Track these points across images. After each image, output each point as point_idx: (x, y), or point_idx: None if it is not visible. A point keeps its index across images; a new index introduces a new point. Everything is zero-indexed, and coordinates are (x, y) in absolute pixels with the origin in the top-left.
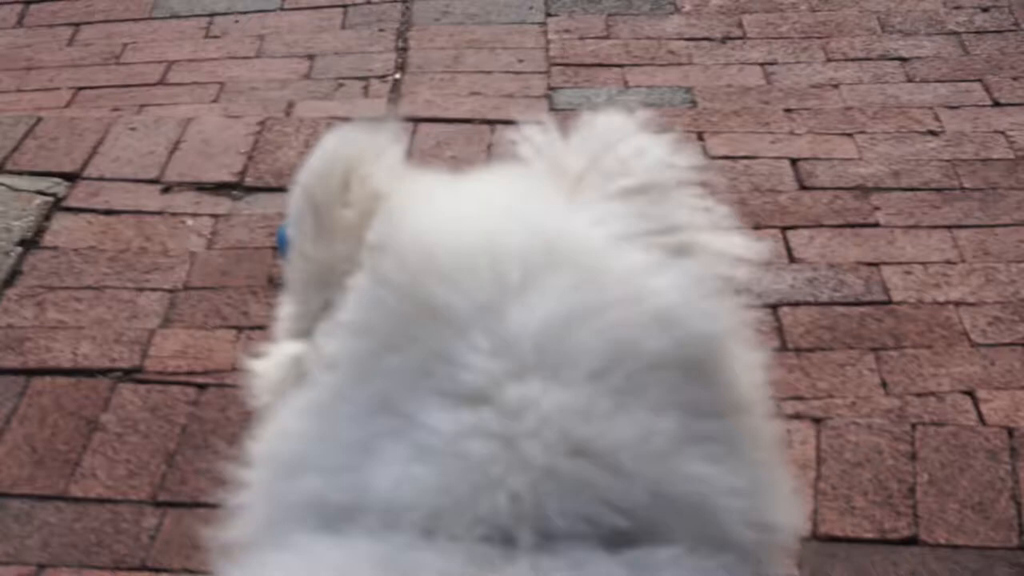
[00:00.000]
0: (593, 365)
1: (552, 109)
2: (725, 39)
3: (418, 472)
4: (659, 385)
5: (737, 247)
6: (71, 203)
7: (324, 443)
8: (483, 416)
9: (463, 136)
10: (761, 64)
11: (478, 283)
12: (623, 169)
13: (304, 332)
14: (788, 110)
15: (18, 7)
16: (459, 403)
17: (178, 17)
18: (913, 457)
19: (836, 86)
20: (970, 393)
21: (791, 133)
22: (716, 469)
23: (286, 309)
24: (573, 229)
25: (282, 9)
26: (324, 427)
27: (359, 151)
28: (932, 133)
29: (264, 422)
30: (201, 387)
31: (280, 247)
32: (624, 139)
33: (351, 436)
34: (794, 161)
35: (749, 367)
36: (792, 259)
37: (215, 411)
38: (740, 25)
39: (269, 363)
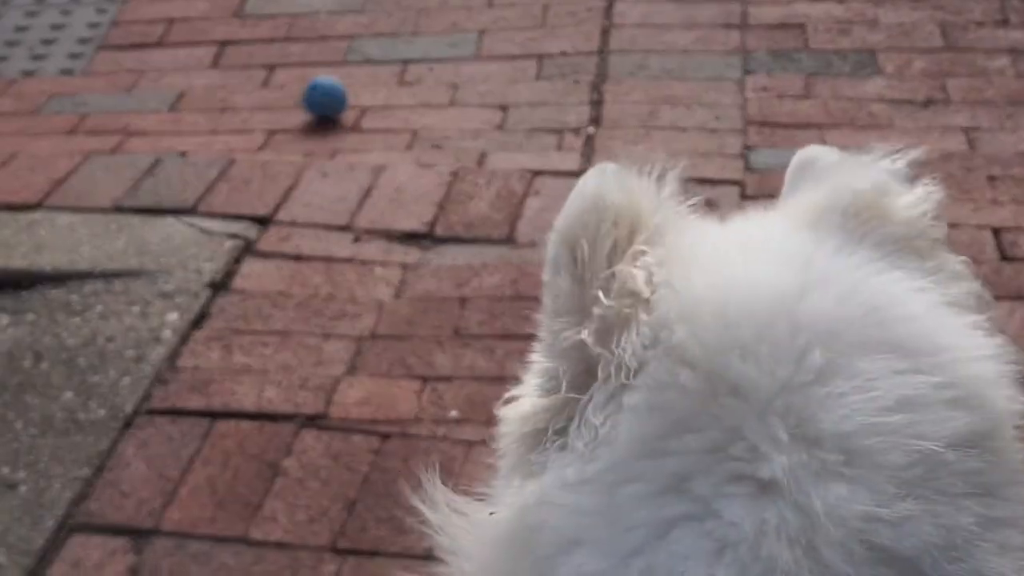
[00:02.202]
0: (895, 461)
1: (748, 169)
2: (928, 103)
3: (720, 574)
4: (957, 473)
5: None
6: (262, 247)
7: (604, 521)
8: (784, 514)
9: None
10: (964, 129)
11: (777, 356)
12: (898, 220)
13: (556, 390)
14: (991, 177)
15: (214, 48)
16: (758, 493)
17: (372, 63)
18: None
19: None
20: None
21: (994, 202)
22: (1009, 560)
23: (538, 363)
24: (874, 294)
25: (476, 58)
26: (604, 504)
27: (627, 194)
28: None
29: (502, 473)
30: (384, 436)
31: (308, 101)
32: (893, 188)
33: (638, 517)
34: (996, 231)
35: (1017, 438)
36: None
37: (397, 460)
38: (943, 89)
39: (516, 413)
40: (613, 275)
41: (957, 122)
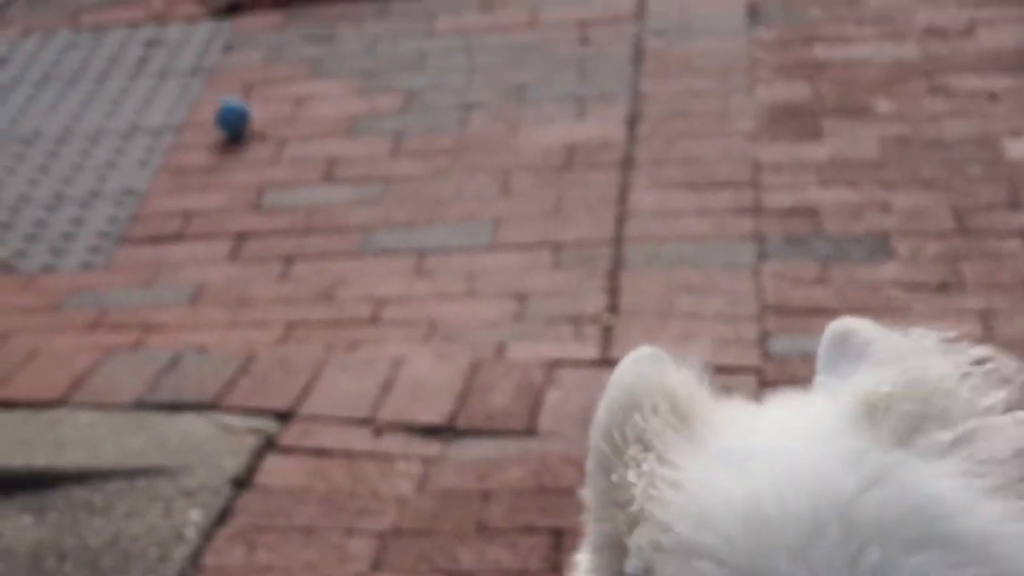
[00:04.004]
0: None
1: (766, 356)
2: (942, 287)
3: None
4: None
5: None
6: (283, 442)
7: None
8: None
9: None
10: (980, 313)
11: (831, 559)
12: (947, 406)
13: None
14: None
15: (232, 241)
16: None
17: (389, 253)
18: None
19: None
20: None
21: None
22: None
23: (585, 562)
24: (924, 490)
25: (492, 247)
26: None
27: (663, 384)
28: None
29: None
30: None
31: (223, 122)
32: (935, 369)
33: None
34: None
35: None
36: None
37: None
38: (957, 272)
39: None
40: (655, 470)
41: (972, 306)
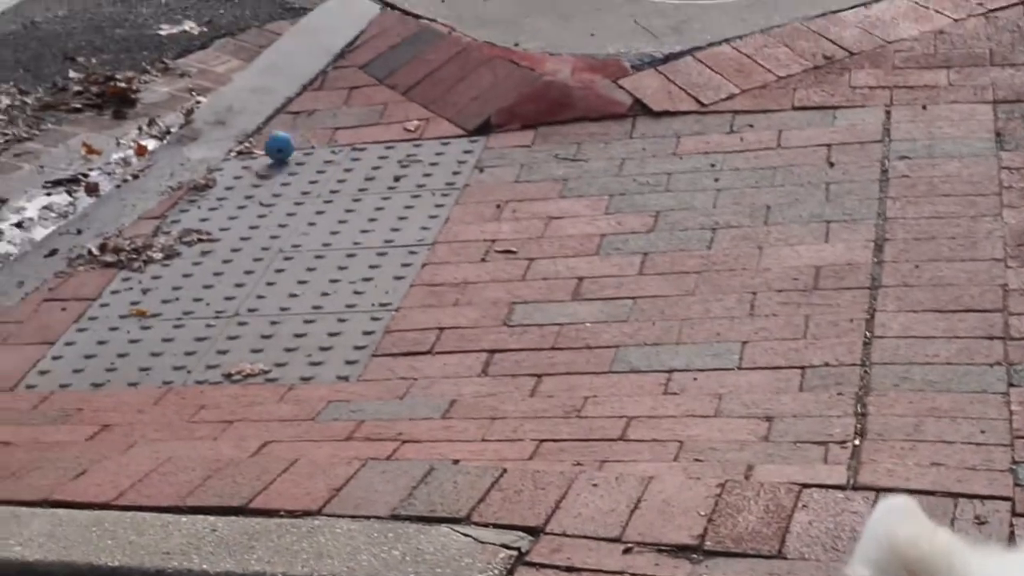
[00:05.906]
0: None
1: (1017, 484)
2: None
3: None
4: None
5: None
6: (534, 558)
7: None
8: None
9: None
10: None
11: None
12: None
13: None
14: None
15: (483, 356)
16: None
17: (637, 372)
18: None
19: None
20: None
21: None
22: None
23: None
24: None
25: (740, 368)
26: None
27: (916, 544)
28: None
29: None
30: None
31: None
32: None
33: None
34: None
35: None
36: None
37: None
38: None
39: None
40: None
41: None
